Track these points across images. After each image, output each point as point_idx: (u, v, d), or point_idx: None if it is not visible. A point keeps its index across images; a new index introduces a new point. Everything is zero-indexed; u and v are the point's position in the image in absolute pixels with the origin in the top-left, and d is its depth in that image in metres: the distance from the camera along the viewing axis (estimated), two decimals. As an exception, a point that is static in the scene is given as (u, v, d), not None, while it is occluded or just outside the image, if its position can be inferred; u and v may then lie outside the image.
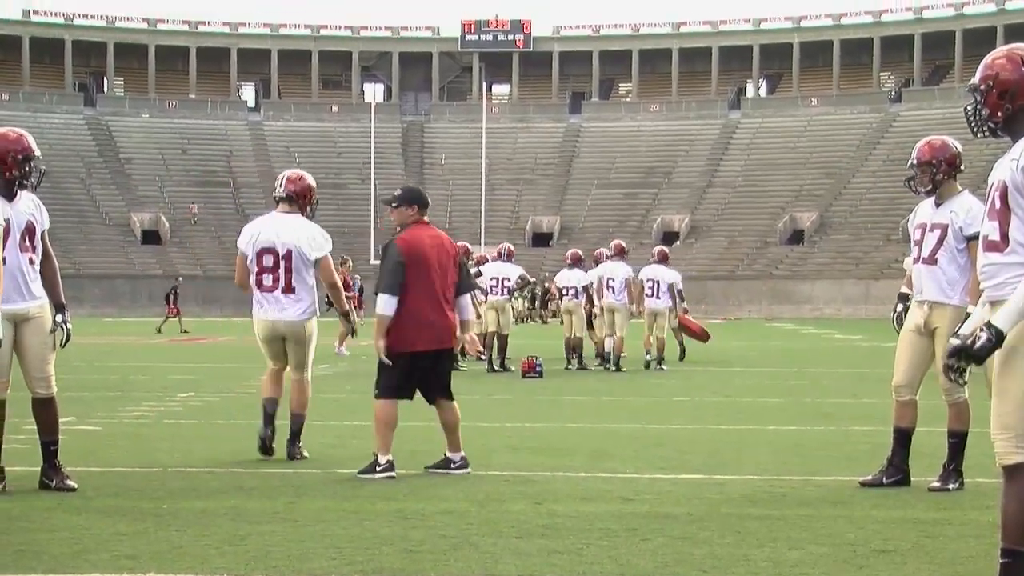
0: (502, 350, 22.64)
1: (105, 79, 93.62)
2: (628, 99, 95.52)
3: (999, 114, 5.42)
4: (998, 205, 5.31)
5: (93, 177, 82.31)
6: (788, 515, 7.78)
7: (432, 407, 9.81)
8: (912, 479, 8.96)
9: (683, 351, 25.37)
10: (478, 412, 14.54)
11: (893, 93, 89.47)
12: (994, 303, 5.36)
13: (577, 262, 23.92)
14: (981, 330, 5.06)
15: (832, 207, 78.92)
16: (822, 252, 74.34)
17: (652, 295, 22.86)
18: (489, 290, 22.75)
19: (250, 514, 7.71)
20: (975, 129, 5.58)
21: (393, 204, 9.74)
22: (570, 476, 9.43)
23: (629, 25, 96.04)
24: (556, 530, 7.24)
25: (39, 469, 8.71)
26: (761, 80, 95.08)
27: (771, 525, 7.42)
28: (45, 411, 8.68)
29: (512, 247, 24.83)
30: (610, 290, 22.48)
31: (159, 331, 42.66)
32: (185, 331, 42.49)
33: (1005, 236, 5.27)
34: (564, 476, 9.42)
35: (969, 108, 5.57)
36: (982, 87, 5.45)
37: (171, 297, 45.60)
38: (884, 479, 9.01)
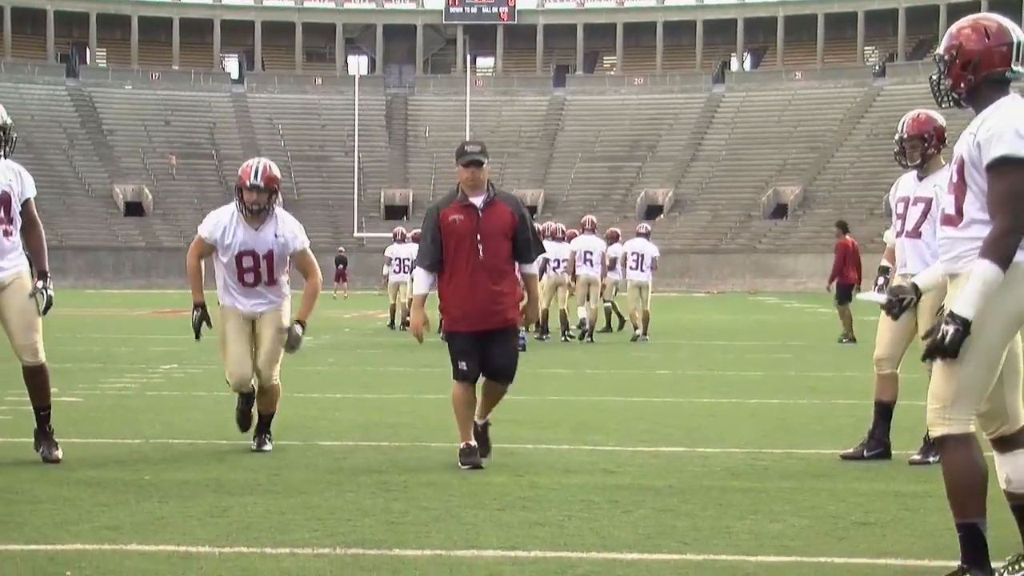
0: None
1: (88, 50, 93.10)
2: (612, 72, 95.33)
3: (962, 85, 5.39)
4: (955, 179, 5.34)
5: (75, 148, 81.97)
6: (770, 488, 7.81)
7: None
8: (893, 452, 9.00)
9: (622, 321, 26.28)
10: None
11: (877, 67, 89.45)
12: (952, 276, 5.39)
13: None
14: (945, 323, 5.07)
15: (816, 181, 78.94)
16: (805, 226, 74.38)
17: (636, 268, 23.26)
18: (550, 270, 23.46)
19: (232, 486, 7.71)
20: (940, 100, 5.57)
21: (486, 161, 8.80)
22: (552, 449, 9.44)
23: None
24: (538, 502, 7.25)
25: (20, 441, 8.70)
26: (745, 54, 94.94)
27: (753, 498, 7.45)
28: (33, 378, 8.70)
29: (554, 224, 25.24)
30: (588, 263, 23.01)
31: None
32: None
33: (960, 211, 5.29)
34: (546, 449, 9.44)
35: (934, 78, 5.54)
36: (946, 57, 5.42)
37: None
38: (865, 452, 9.05)
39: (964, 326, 5.04)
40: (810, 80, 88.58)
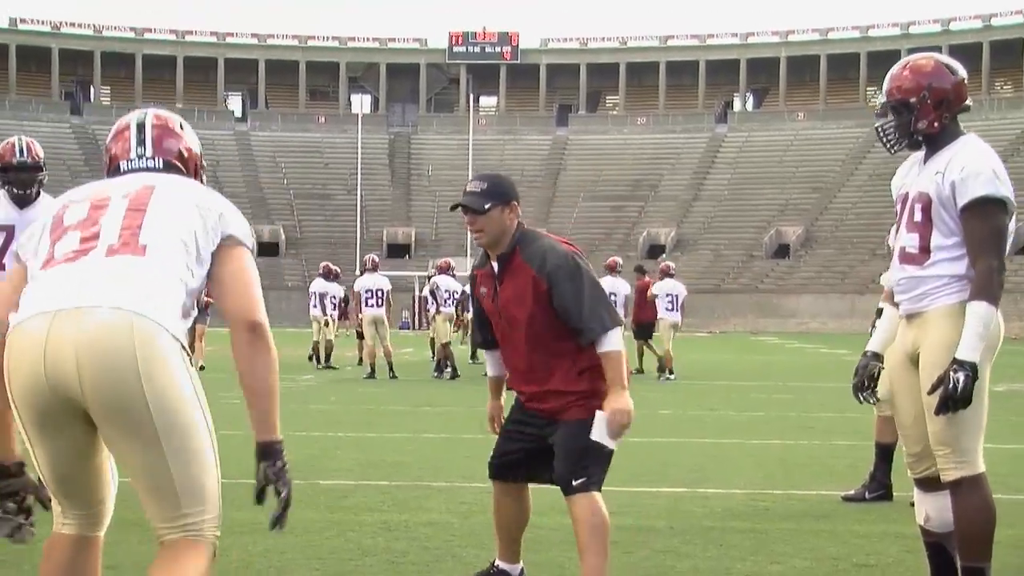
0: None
1: (92, 88, 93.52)
2: (615, 112, 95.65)
3: (936, 124, 5.34)
4: (919, 218, 5.27)
5: (79, 185, 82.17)
6: (771, 529, 7.79)
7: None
8: (894, 494, 8.98)
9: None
10: (460, 424, 14.56)
11: (880, 108, 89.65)
12: (911, 316, 5.33)
13: None
14: (954, 371, 4.99)
15: (818, 221, 79.08)
16: (808, 266, 74.47)
17: (672, 309, 23.55)
18: (443, 303, 24.09)
19: (232, 524, 7.67)
20: (895, 145, 5.48)
21: (485, 207, 5.79)
22: (553, 488, 9.40)
23: (616, 38, 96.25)
24: (539, 543, 7.23)
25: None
26: (748, 94, 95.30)
27: (754, 539, 7.43)
28: None
29: (450, 261, 25.76)
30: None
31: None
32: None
33: (925, 249, 5.24)
34: (547, 488, 9.37)
35: (890, 125, 5.46)
36: (913, 100, 5.36)
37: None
38: (866, 494, 9.04)
39: (973, 371, 4.99)
40: (812, 120, 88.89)
